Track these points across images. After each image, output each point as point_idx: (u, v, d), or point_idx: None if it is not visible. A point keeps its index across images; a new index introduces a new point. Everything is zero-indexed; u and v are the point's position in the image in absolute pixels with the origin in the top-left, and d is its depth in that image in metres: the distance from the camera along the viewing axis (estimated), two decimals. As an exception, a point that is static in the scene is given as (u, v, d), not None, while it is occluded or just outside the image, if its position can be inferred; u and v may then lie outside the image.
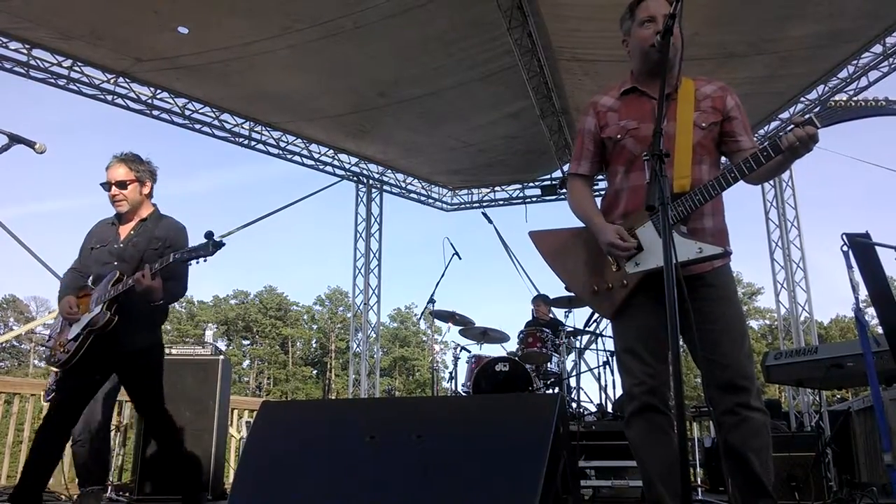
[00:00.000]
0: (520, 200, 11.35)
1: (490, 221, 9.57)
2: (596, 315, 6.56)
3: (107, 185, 3.60)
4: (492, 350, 6.82)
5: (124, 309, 3.38)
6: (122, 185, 3.58)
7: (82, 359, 3.36)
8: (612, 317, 2.43)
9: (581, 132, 2.60)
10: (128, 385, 3.59)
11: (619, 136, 2.44)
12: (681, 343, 2.23)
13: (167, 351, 5.82)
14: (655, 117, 2.34)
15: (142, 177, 3.64)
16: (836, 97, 2.23)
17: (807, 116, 2.15)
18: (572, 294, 6.52)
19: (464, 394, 6.28)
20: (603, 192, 2.62)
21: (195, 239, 3.53)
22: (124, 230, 3.63)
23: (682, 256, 2.18)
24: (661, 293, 1.89)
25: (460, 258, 6.79)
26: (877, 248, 4.13)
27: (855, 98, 2.19)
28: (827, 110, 2.17)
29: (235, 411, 7.45)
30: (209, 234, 3.16)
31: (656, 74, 2.38)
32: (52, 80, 7.88)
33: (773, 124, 9.04)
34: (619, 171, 2.46)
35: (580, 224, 2.57)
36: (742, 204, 2.54)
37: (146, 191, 3.67)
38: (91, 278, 3.52)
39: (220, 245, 3.15)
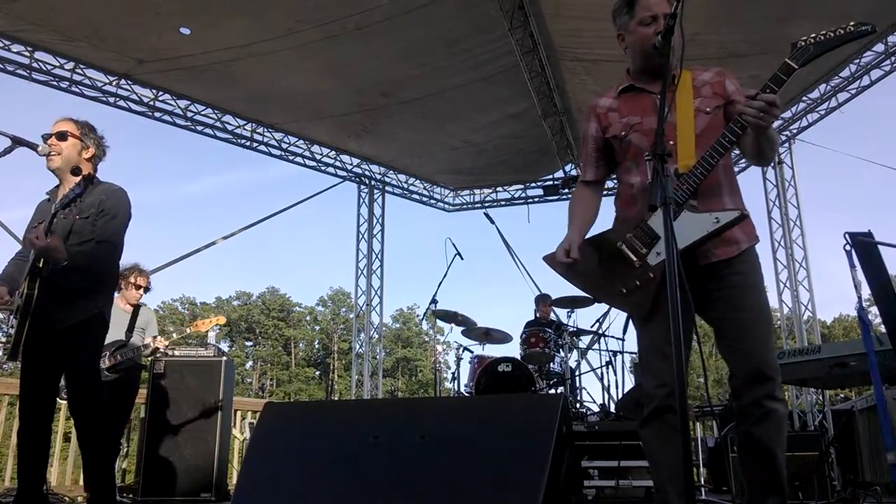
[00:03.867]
0: (522, 201, 11.34)
1: (492, 222, 9.62)
2: (601, 315, 6.58)
3: (45, 136, 3.30)
4: (494, 350, 6.83)
5: (50, 284, 3.10)
6: (61, 135, 3.31)
7: (26, 346, 3.13)
8: (647, 314, 2.34)
9: (585, 138, 2.59)
10: (63, 366, 3.24)
11: (623, 133, 2.43)
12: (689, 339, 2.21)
13: (169, 353, 5.84)
14: (658, 112, 2.34)
15: (85, 138, 3.37)
16: (805, 38, 2.11)
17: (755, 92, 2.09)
18: (579, 295, 6.59)
19: (466, 394, 6.28)
20: (615, 191, 2.62)
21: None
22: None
23: (700, 232, 2.16)
24: (687, 285, 1.88)
25: (462, 259, 6.78)
26: (879, 246, 4.13)
27: (823, 31, 2.10)
28: (798, 50, 2.09)
29: (238, 412, 7.45)
30: (76, 171, 3.14)
31: (655, 73, 2.37)
32: (55, 83, 7.90)
33: (776, 123, 9.02)
34: (630, 167, 2.45)
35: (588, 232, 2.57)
36: (745, 203, 2.51)
37: (87, 155, 3.38)
38: None
39: (90, 179, 3.11)
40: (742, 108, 2.11)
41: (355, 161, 10.77)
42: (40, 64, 7.70)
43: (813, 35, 2.08)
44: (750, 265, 2.33)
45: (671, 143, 2.27)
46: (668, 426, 2.28)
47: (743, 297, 2.29)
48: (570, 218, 2.58)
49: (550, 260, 2.60)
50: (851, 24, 2.03)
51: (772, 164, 9.05)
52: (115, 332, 4.98)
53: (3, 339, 3.36)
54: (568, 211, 2.61)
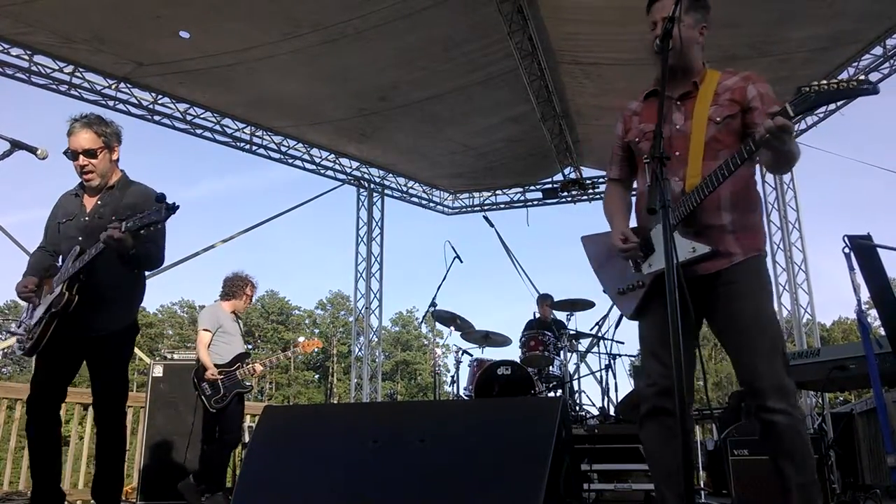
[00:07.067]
0: (521, 204, 11.36)
1: (491, 225, 9.56)
2: (600, 318, 6.58)
3: (72, 154, 3.22)
4: (494, 353, 6.81)
5: (88, 288, 3.11)
6: (90, 153, 3.21)
7: (49, 345, 3.13)
8: (634, 317, 2.47)
9: (615, 137, 2.66)
10: (93, 373, 3.23)
11: (637, 140, 2.50)
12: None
13: (169, 356, 5.84)
14: (665, 118, 2.35)
15: (109, 141, 3.29)
16: (809, 85, 2.05)
17: (779, 108, 2.06)
18: (579, 298, 6.60)
19: (466, 397, 6.27)
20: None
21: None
22: (90, 201, 3.31)
23: (680, 256, 2.18)
24: (679, 293, 1.93)
25: (462, 261, 6.77)
26: (878, 249, 4.14)
27: (828, 81, 2.04)
28: (801, 97, 2.05)
29: (238, 416, 7.41)
30: (161, 197, 2.92)
31: (673, 75, 2.39)
32: (54, 87, 7.90)
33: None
34: (640, 174, 2.54)
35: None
36: (755, 213, 2.52)
37: (115, 157, 3.33)
38: (60, 257, 3.28)
39: (173, 208, 2.89)
40: (763, 123, 2.08)
41: (354, 164, 10.78)
42: (39, 67, 7.70)
43: (817, 83, 2.03)
44: (745, 275, 2.29)
45: (677, 153, 2.29)
46: (663, 427, 2.30)
47: (734, 307, 2.28)
48: (610, 215, 2.59)
49: (588, 240, 2.71)
50: (855, 79, 2.02)
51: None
52: (235, 342, 5.46)
53: (22, 332, 3.27)
54: (605, 210, 2.65)
